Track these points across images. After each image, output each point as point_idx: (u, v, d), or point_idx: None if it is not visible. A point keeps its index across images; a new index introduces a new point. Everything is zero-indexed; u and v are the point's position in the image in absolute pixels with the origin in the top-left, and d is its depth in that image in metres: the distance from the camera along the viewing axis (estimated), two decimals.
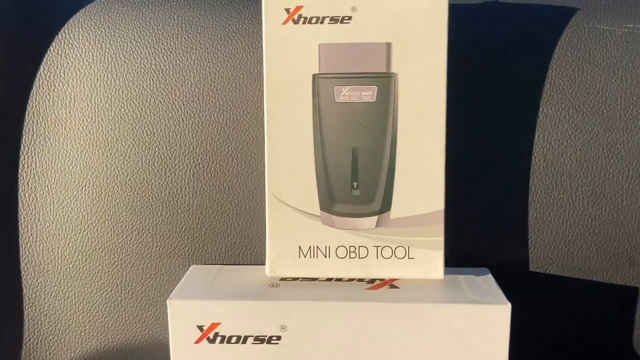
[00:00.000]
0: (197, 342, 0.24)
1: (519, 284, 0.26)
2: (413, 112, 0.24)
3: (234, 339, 0.24)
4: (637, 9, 0.27)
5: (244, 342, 0.24)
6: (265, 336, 0.24)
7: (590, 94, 0.27)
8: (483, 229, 0.27)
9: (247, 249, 0.28)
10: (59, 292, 0.29)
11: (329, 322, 0.24)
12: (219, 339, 0.24)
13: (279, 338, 0.24)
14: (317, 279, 0.26)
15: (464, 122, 0.27)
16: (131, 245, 0.28)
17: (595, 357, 0.27)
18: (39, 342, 0.29)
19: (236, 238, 0.28)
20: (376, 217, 0.25)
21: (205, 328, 0.24)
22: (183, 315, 0.24)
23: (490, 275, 0.26)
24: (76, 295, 0.29)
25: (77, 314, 0.29)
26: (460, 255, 0.27)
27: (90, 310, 0.29)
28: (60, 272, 0.29)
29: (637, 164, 0.27)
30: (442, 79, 0.24)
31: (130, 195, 0.28)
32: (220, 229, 0.28)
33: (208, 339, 0.24)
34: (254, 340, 0.24)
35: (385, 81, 0.24)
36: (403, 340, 0.24)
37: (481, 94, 0.27)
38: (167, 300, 0.24)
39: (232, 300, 0.24)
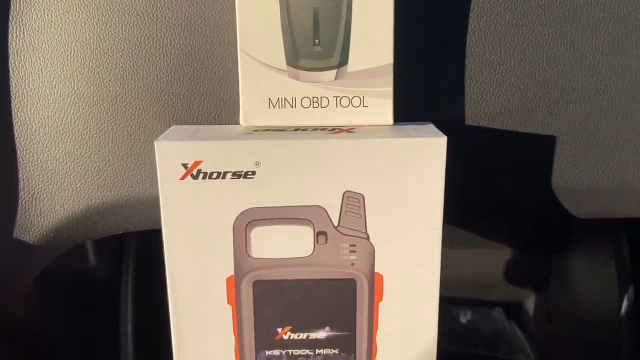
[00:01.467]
0: (182, 178, 0.28)
1: (456, 134, 0.31)
2: None
3: (214, 175, 0.28)
4: None
5: (223, 177, 0.28)
6: (242, 172, 0.28)
7: None
8: (426, 85, 0.31)
9: (223, 111, 0.32)
10: (50, 153, 0.32)
11: (297, 158, 0.28)
12: (201, 175, 0.28)
13: (253, 173, 0.28)
14: (286, 129, 0.30)
15: None
16: (116, 108, 0.31)
17: (521, 194, 0.33)
18: (34, 200, 0.32)
19: (213, 101, 0.31)
20: (335, 70, 0.29)
21: (189, 165, 0.28)
22: (169, 155, 0.28)
23: (432, 125, 0.31)
24: (67, 155, 0.32)
25: (68, 174, 0.32)
26: (405, 113, 0.31)
27: (80, 169, 0.32)
28: (51, 134, 0.32)
29: (554, 26, 0.31)
30: None
31: (114, 60, 0.31)
32: (197, 91, 0.31)
33: (192, 175, 0.28)
34: (232, 175, 0.28)
35: None
36: (357, 173, 0.28)
37: None
38: (155, 142, 0.27)
39: (213, 141, 0.28)
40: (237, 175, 0.28)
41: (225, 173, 0.28)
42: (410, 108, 0.31)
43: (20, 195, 0.32)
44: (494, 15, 0.31)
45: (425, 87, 0.32)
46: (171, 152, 0.28)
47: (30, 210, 0.33)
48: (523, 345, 0.54)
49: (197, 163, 0.28)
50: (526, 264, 0.55)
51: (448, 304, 0.58)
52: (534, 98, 0.32)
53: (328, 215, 0.29)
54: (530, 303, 0.59)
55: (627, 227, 0.44)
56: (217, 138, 0.28)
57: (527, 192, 0.33)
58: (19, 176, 0.32)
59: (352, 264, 0.30)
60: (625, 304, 0.41)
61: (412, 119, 0.32)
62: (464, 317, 0.57)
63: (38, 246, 0.34)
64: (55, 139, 0.32)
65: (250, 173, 0.28)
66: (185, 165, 0.28)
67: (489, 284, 0.56)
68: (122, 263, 0.40)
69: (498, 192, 0.33)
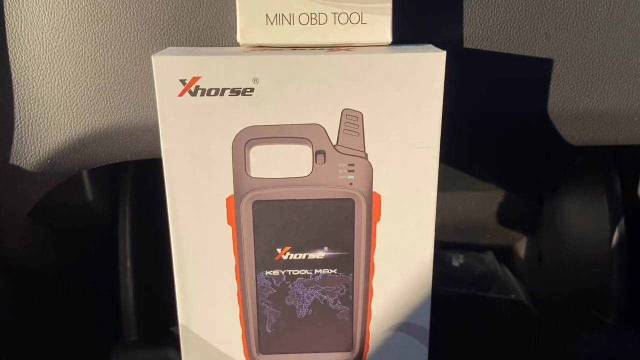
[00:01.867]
0: (180, 95, 0.28)
1: (453, 56, 0.31)
2: None
3: (212, 92, 0.28)
4: None
5: (222, 94, 0.28)
6: (240, 88, 0.28)
7: None
8: (423, 8, 0.31)
9: (221, 33, 0.31)
10: (45, 77, 0.32)
11: (295, 74, 0.28)
12: (199, 91, 0.28)
13: (252, 90, 0.28)
14: (284, 48, 0.29)
15: None
16: (112, 30, 0.31)
17: (517, 116, 0.33)
18: (30, 125, 0.32)
19: (210, 22, 0.31)
20: None
21: (187, 81, 0.28)
22: (167, 71, 0.27)
23: (431, 45, 0.31)
24: (62, 79, 0.32)
25: (64, 99, 0.32)
26: (403, 36, 0.31)
27: (76, 94, 0.32)
28: (46, 57, 0.31)
29: None
30: None
31: None
32: (194, 13, 0.31)
33: (190, 92, 0.28)
34: (230, 92, 0.28)
35: None
36: (355, 90, 0.28)
37: None
38: (152, 57, 0.27)
39: (211, 56, 0.27)
40: (235, 92, 0.28)
41: (223, 90, 0.28)
42: (408, 31, 0.31)
43: (16, 120, 0.32)
44: None
45: (422, 10, 0.31)
46: (169, 67, 0.27)
47: (26, 136, 0.33)
48: (513, 286, 0.56)
49: (195, 79, 0.28)
50: (518, 206, 0.55)
51: (440, 247, 0.59)
52: (531, 21, 0.32)
53: (327, 133, 0.29)
54: (521, 246, 0.60)
55: (620, 162, 0.44)
56: (215, 54, 0.28)
57: (522, 115, 0.33)
58: (14, 101, 0.32)
59: (351, 184, 0.30)
60: (616, 236, 0.42)
61: (410, 42, 0.31)
62: (457, 261, 0.58)
63: (35, 174, 0.33)
64: (51, 62, 0.31)
65: (248, 90, 0.28)
66: (183, 82, 0.28)
67: (480, 227, 0.57)
68: (120, 198, 0.39)
69: (494, 115, 0.33)
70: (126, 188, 0.39)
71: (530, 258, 0.57)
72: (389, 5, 0.29)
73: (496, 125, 0.34)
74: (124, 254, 0.39)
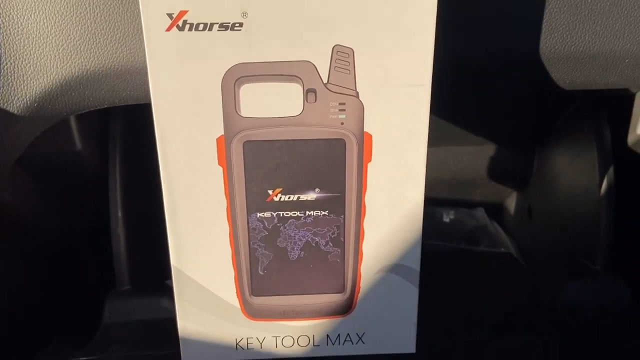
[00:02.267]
0: (168, 30, 0.27)
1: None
2: None
3: (200, 27, 0.27)
4: None
5: (210, 29, 0.28)
6: (229, 23, 0.27)
7: None
8: None
9: None
10: (30, 15, 0.31)
11: (284, 8, 0.27)
12: (187, 26, 0.27)
13: (240, 25, 0.28)
14: None
15: None
16: None
17: (507, 58, 0.33)
18: (16, 67, 0.32)
19: None
20: None
21: (174, 15, 0.27)
22: (153, 3, 0.27)
23: None
24: (47, 17, 0.31)
25: (50, 39, 0.31)
26: None
27: (62, 35, 0.31)
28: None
29: None
30: None
31: None
32: None
33: (177, 26, 0.27)
34: (219, 27, 0.27)
35: None
36: (347, 25, 0.28)
37: None
38: None
39: None
40: (224, 27, 0.27)
41: (212, 24, 0.27)
42: None
43: (2, 62, 0.32)
44: None
45: None
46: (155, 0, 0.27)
47: (13, 77, 0.32)
48: (503, 240, 0.56)
49: (182, 13, 0.27)
50: (509, 161, 0.56)
51: (431, 203, 0.59)
52: None
53: (317, 71, 0.29)
54: (511, 202, 0.60)
55: (610, 114, 0.44)
56: None
57: (513, 57, 0.33)
58: (0, 42, 0.31)
59: (342, 124, 0.30)
60: (604, 184, 0.42)
61: None
62: (447, 216, 0.58)
63: (22, 118, 0.33)
64: (38, 2, 0.31)
65: (237, 25, 0.28)
66: (170, 16, 0.27)
67: (471, 183, 0.57)
68: (109, 146, 0.39)
69: (485, 55, 0.33)
70: (115, 136, 0.39)
71: (520, 213, 0.58)
72: None
73: (488, 66, 0.33)
74: (115, 203, 0.39)
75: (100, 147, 0.40)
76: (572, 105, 0.50)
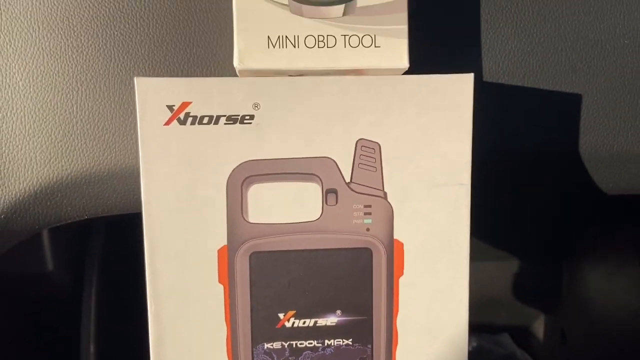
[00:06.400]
0: (167, 124, 0.24)
1: (478, 91, 0.28)
2: None
3: (205, 119, 0.24)
4: None
5: (216, 122, 0.24)
6: (238, 115, 0.24)
7: None
8: (440, 38, 0.29)
9: (213, 62, 0.28)
10: (7, 117, 0.27)
11: (302, 98, 0.24)
12: (190, 119, 0.24)
13: (251, 117, 0.24)
14: (287, 74, 0.26)
15: None
16: (87, 58, 0.27)
17: (545, 158, 0.29)
18: None
19: (199, 50, 0.28)
20: (343, 5, 0.25)
21: (175, 108, 0.23)
22: (152, 94, 0.23)
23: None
24: (26, 119, 0.27)
25: (27, 141, 0.27)
26: (418, 68, 0.28)
27: (41, 134, 0.27)
28: (9, 94, 0.27)
29: None
30: None
31: (86, 4, 0.27)
32: (180, 38, 0.27)
33: (179, 119, 0.24)
34: (227, 120, 0.24)
35: None
36: (372, 118, 0.24)
37: None
38: (135, 78, 0.23)
39: (204, 78, 0.24)
40: (232, 119, 0.24)
41: (218, 117, 0.24)
42: (424, 59, 0.28)
43: None
44: None
45: (439, 40, 0.29)
46: (154, 90, 0.23)
47: None
48: None
49: (185, 104, 0.24)
50: (534, 277, 0.50)
51: None
52: (555, 53, 0.29)
53: (339, 168, 0.25)
54: (539, 326, 0.54)
55: None
56: (209, 75, 0.24)
57: (550, 157, 0.30)
58: None
59: (368, 230, 0.25)
60: None
61: (426, 72, 0.28)
62: (469, 344, 0.51)
63: None
64: (14, 100, 0.27)
65: (247, 117, 0.24)
66: (170, 108, 0.24)
67: (493, 303, 0.51)
68: (85, 267, 0.33)
69: (520, 152, 0.29)
70: (93, 255, 0.33)
71: (551, 338, 0.51)
72: (405, 27, 0.25)
73: (523, 166, 0.30)
74: (87, 335, 0.32)
75: (75, 266, 0.34)
76: (602, 212, 0.46)
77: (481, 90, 0.29)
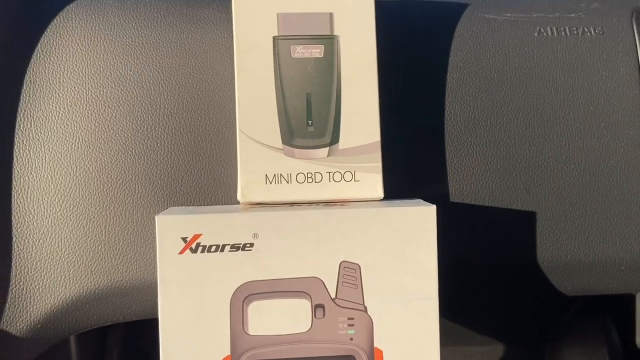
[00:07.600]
0: (181, 252, 0.28)
1: (441, 211, 0.33)
2: (352, 64, 0.31)
3: (213, 248, 0.28)
4: (513, 3, 0.36)
5: (222, 250, 0.28)
6: (240, 244, 0.28)
7: (482, 69, 0.35)
8: (411, 166, 0.34)
9: (221, 192, 0.33)
10: (46, 240, 0.32)
11: (294, 228, 0.29)
12: (200, 248, 0.28)
13: (251, 245, 0.29)
14: (282, 205, 0.31)
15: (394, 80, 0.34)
16: (115, 191, 0.32)
17: (508, 269, 0.34)
18: (25, 288, 0.32)
19: (210, 183, 0.33)
20: (327, 148, 0.31)
21: (188, 239, 0.28)
22: (169, 229, 0.28)
23: (421, 200, 0.32)
24: (62, 241, 0.32)
25: (62, 260, 0.32)
26: (392, 193, 0.33)
27: (74, 255, 0.32)
28: (49, 220, 0.32)
29: (522, 119, 0.34)
30: (372, 42, 0.31)
31: (115, 148, 0.32)
32: (195, 174, 0.33)
33: (191, 249, 0.28)
34: (230, 248, 0.29)
35: (330, 41, 0.31)
36: (352, 243, 0.29)
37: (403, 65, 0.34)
38: (156, 217, 0.28)
39: (212, 214, 0.28)
40: (235, 247, 0.29)
41: (223, 246, 0.29)
42: (398, 187, 0.33)
43: (11, 286, 0.32)
44: (467, 102, 0.34)
45: (410, 169, 0.34)
46: (172, 226, 0.28)
47: (20, 299, 0.32)
48: None
49: (196, 236, 0.28)
50: None
51: None
52: (510, 177, 0.34)
53: (325, 286, 0.29)
54: None
55: (614, 310, 0.44)
56: (216, 212, 0.29)
57: (513, 268, 0.34)
58: (12, 266, 0.32)
59: (351, 339, 0.29)
60: None
61: (399, 197, 0.33)
62: None
63: (22, 339, 0.32)
64: (52, 225, 0.32)
65: (248, 245, 0.29)
66: (184, 239, 0.28)
67: None
68: None
69: (484, 265, 0.34)
70: (112, 354, 0.37)
71: None
72: (379, 165, 0.31)
73: (489, 275, 0.34)
74: None
75: None
76: (576, 302, 0.50)
77: (448, 209, 0.34)
